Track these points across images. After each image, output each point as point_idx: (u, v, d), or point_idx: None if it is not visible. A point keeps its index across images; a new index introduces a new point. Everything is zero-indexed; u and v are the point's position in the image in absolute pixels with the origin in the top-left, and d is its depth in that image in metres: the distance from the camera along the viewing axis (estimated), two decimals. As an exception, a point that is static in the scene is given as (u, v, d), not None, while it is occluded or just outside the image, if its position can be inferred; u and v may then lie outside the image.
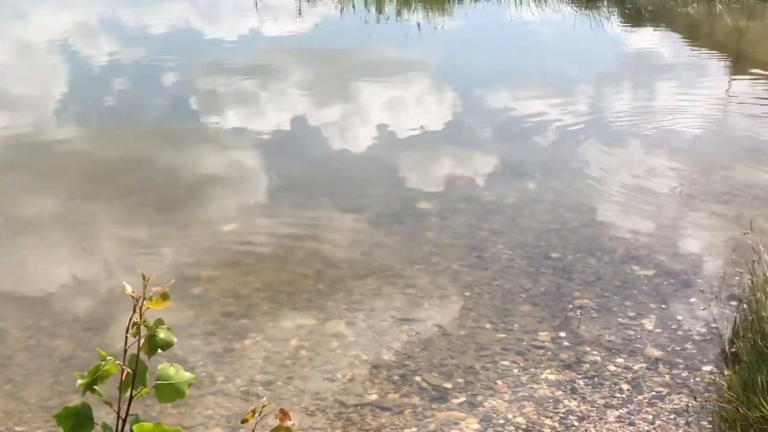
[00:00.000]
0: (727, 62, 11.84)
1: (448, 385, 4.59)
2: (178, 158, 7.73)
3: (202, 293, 5.46)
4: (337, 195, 7.08)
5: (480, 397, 4.49)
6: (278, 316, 5.25)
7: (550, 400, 4.47)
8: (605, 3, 14.92)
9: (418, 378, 4.65)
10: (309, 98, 9.73)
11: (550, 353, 4.88)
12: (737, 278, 5.38)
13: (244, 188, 7.23)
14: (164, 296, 1.98)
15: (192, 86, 10.05)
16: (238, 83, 10.13)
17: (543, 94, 9.79)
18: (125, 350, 2.00)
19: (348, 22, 13.74)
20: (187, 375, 2.07)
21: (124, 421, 2.01)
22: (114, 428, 2.00)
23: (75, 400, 4.39)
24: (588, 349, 4.92)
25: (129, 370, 2.00)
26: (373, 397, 4.50)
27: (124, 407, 2.02)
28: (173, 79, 10.31)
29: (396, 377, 4.66)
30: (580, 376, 4.67)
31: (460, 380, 4.64)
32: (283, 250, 6.12)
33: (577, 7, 14.65)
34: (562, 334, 5.07)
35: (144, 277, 1.96)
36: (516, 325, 5.15)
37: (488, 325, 5.16)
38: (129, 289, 1.98)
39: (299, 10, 14.13)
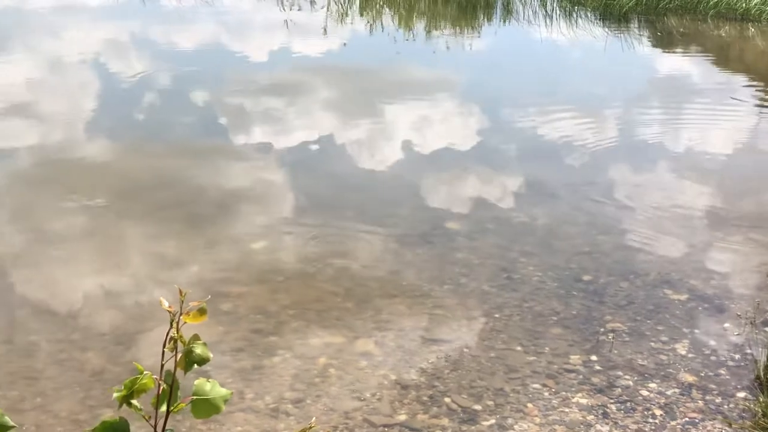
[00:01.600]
0: (759, 85, 11.74)
1: (478, 407, 4.55)
2: (207, 175, 7.75)
3: (232, 309, 5.45)
4: (365, 213, 7.06)
5: (510, 420, 4.44)
6: (307, 333, 5.23)
7: (582, 425, 4.41)
8: (636, 25, 14.87)
9: (447, 399, 4.61)
10: (336, 116, 9.75)
11: (581, 377, 4.83)
12: (772, 303, 5.31)
13: (273, 206, 7.23)
14: (201, 311, 1.97)
15: (220, 103, 10.10)
16: (266, 101, 10.16)
17: (573, 115, 9.75)
18: (162, 365, 1.99)
19: (376, 41, 13.77)
20: (224, 391, 2.05)
21: (160, 436, 1.99)
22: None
23: (105, 414, 4.40)
24: (620, 373, 4.86)
25: (165, 385, 1.99)
26: (402, 417, 4.46)
27: (159, 422, 2.00)
28: (202, 96, 10.36)
29: (425, 398, 4.62)
30: (612, 401, 4.61)
31: (490, 402, 4.59)
32: (311, 268, 6.10)
33: (608, 28, 14.61)
34: (594, 357, 5.01)
35: (181, 293, 1.95)
36: (547, 348, 5.10)
37: (518, 348, 5.11)
38: (166, 304, 1.97)
39: (326, 28, 14.18)
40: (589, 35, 14.30)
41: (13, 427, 2.10)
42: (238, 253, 6.30)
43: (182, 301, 1.95)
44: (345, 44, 13.50)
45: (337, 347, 5.08)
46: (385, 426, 4.39)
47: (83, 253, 6.24)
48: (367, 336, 5.20)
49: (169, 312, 1.95)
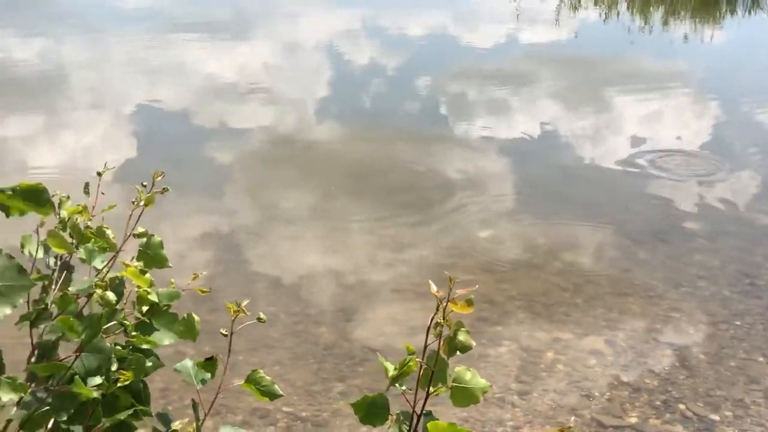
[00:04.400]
0: None
1: (715, 417, 4.32)
2: (434, 161, 7.83)
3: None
4: (593, 207, 6.88)
5: (751, 435, 4.19)
6: (534, 326, 5.17)
7: (832, 448, 4.09)
8: None
9: (681, 406, 4.41)
10: (563, 107, 9.55)
11: (832, 396, 4.47)
12: None
13: (500, 195, 7.18)
14: (469, 302, 1.97)
15: (447, 91, 10.17)
16: (492, 90, 10.12)
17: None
18: (425, 347, 2.01)
19: (610, 30, 13.37)
20: (483, 382, 2.04)
21: (419, 416, 2.01)
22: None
23: (338, 387, 4.53)
24: None
25: (426, 366, 2.00)
26: (633, 420, 4.32)
27: (418, 404, 2.02)
28: (427, 83, 10.47)
29: (658, 402, 4.44)
30: None
31: (728, 413, 4.35)
32: (538, 260, 6.02)
33: None
34: None
35: (451, 280, 1.95)
36: (793, 361, 4.77)
37: (761, 358, 4.81)
38: (434, 288, 1.98)
39: (559, 17, 13.93)
40: (844, 27, 13.21)
41: (280, 395, 2.21)
42: (464, 240, 6.32)
43: (450, 288, 1.95)
44: (576, 34, 13.21)
45: (564, 343, 4.99)
46: (614, 427, 4.27)
47: (315, 233, 6.47)
48: (596, 334, 5.07)
49: (436, 297, 1.96)
